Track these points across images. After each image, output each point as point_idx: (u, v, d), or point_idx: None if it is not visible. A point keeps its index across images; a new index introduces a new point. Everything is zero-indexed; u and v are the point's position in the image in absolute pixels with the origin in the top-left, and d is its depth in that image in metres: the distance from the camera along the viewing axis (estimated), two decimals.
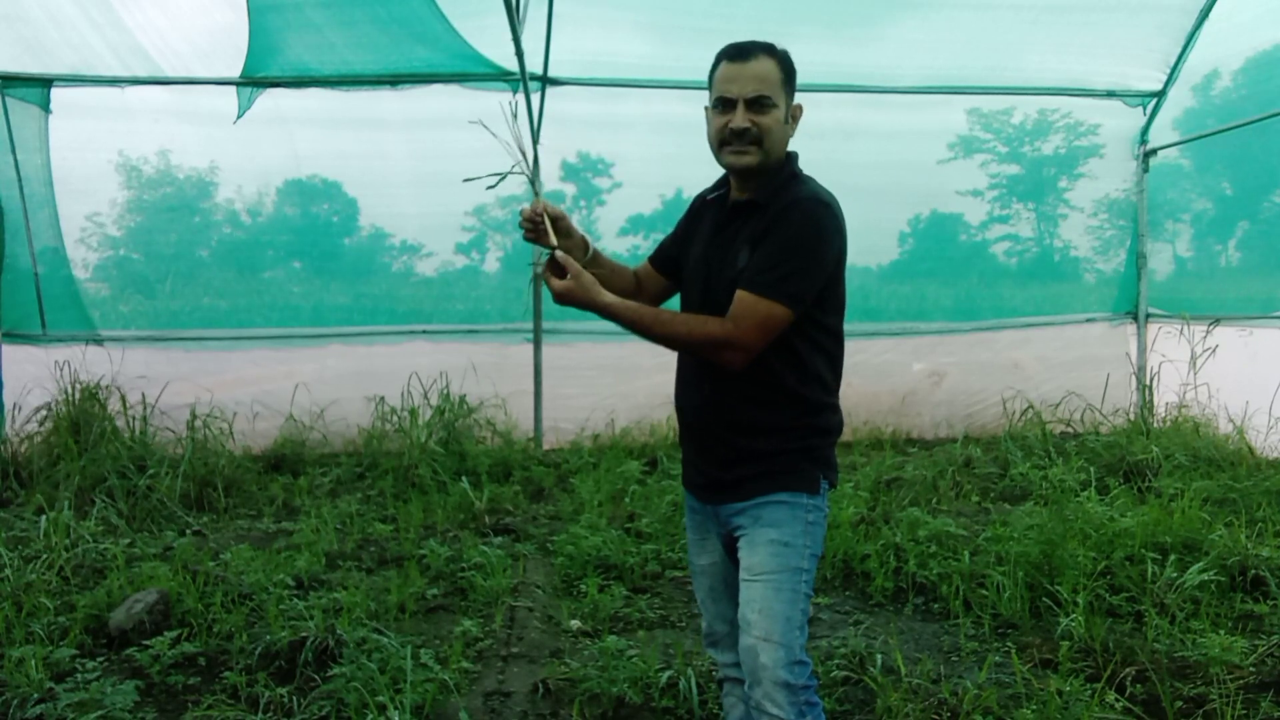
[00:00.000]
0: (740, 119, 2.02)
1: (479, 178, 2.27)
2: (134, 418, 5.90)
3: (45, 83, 6.43)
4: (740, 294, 1.99)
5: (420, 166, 6.94)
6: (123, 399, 5.95)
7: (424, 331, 7.17)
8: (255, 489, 5.74)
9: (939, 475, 5.68)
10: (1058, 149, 8.10)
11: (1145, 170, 7.55)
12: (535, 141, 6.82)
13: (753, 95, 2.01)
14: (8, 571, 3.95)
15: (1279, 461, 5.68)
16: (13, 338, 6.52)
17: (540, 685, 3.13)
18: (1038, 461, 5.79)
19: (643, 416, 7.14)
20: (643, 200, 7.62)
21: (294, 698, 2.97)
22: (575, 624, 3.70)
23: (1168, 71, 7.05)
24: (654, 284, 2.39)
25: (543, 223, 2.11)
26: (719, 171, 2.22)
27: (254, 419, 6.67)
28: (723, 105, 2.05)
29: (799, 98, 2.11)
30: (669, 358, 2.21)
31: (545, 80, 6.69)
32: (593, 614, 3.76)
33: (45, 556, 4.18)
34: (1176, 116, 7.50)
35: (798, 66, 2.10)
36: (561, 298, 1.99)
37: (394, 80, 6.62)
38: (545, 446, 7.05)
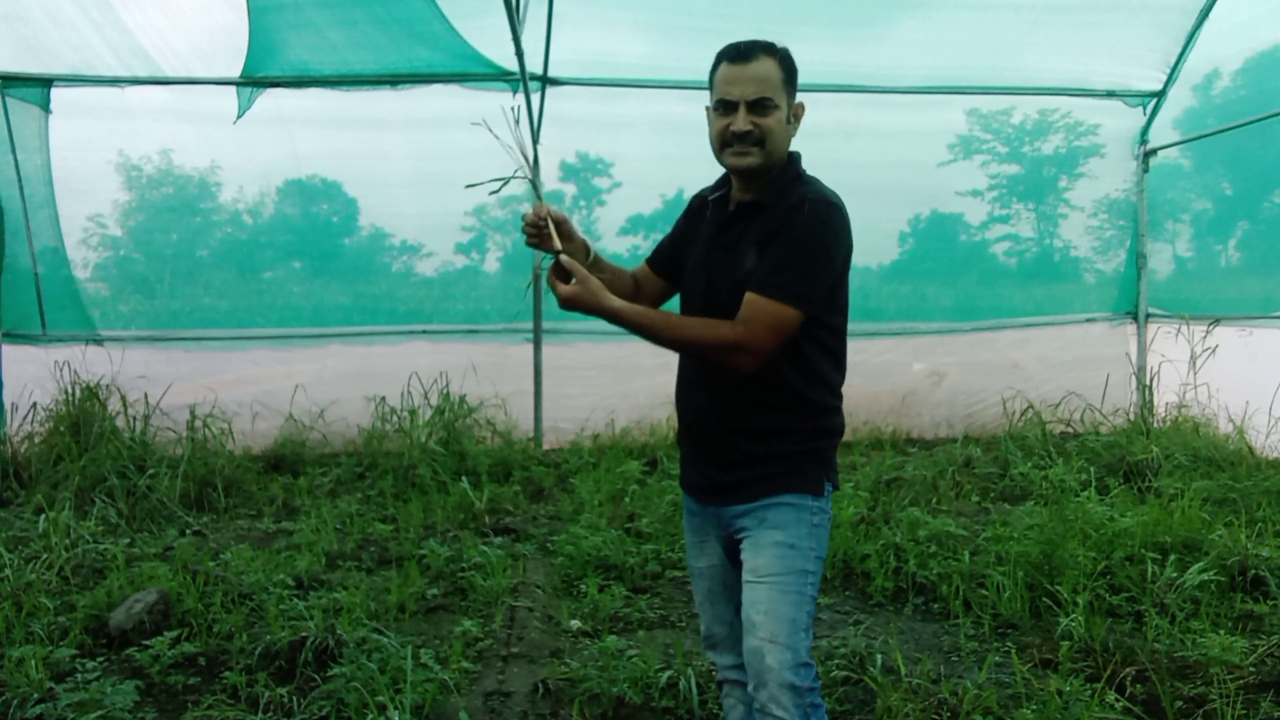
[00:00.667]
0: (742, 122, 2.00)
1: (482, 183, 2.23)
2: (134, 418, 5.90)
3: (45, 83, 6.43)
4: (750, 296, 1.96)
5: (420, 166, 6.94)
6: (123, 399, 5.95)
7: (424, 331, 7.17)
8: (255, 489, 5.74)
9: (939, 475, 5.68)
10: (1058, 149, 8.10)
11: (1145, 170, 7.55)
12: (535, 142, 6.81)
13: (754, 97, 1.99)
14: (8, 571, 3.96)
15: (1279, 461, 5.68)
16: (13, 338, 6.52)
17: (540, 685, 3.13)
18: (1038, 461, 5.80)
19: (643, 416, 7.14)
20: (643, 200, 7.62)
21: (294, 698, 2.97)
22: (575, 624, 3.70)
23: (1168, 71, 7.05)
24: (652, 286, 2.34)
25: (546, 227, 2.07)
26: (719, 171, 2.20)
27: (254, 419, 6.68)
28: (724, 107, 2.03)
29: (799, 97, 2.10)
30: (669, 358, 2.17)
31: (545, 80, 6.69)
32: (593, 614, 3.76)
33: (45, 556, 4.18)
34: (1176, 116, 7.50)
35: (798, 66, 2.08)
36: (568, 303, 1.94)
37: (394, 80, 6.62)
38: (545, 446, 7.05)
